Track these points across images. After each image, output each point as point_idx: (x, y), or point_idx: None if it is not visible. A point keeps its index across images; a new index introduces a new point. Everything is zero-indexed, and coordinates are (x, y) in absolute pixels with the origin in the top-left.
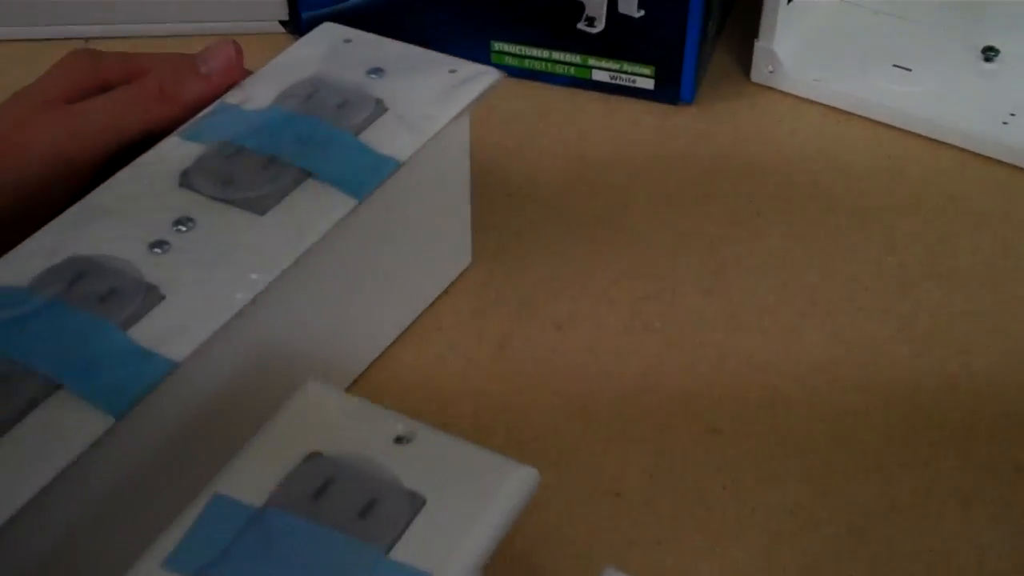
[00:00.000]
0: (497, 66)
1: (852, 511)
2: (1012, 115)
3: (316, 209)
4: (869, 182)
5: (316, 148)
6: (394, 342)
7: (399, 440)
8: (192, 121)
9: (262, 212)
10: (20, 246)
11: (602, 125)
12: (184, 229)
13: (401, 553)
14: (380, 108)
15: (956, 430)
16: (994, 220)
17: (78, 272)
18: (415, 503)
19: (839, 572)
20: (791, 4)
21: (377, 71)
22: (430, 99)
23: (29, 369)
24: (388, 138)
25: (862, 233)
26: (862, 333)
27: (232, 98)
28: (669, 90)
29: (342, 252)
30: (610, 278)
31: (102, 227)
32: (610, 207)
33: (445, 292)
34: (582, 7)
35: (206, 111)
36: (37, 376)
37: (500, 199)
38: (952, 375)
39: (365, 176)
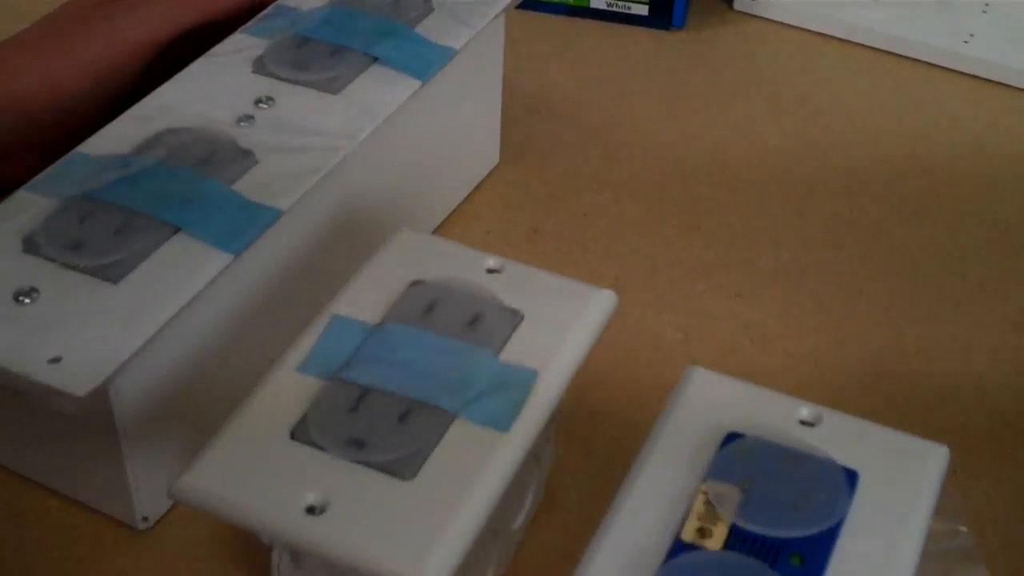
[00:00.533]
0: None
1: (867, 354)
2: (971, 35)
3: (385, 89)
4: (849, 91)
5: (379, 37)
6: (438, 228)
7: (491, 271)
8: (254, 20)
9: (335, 92)
10: (115, 121)
11: (603, 48)
12: (266, 106)
13: (508, 356)
14: (428, 7)
15: (955, 289)
16: (965, 121)
17: (176, 140)
18: (515, 317)
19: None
20: None
21: None
22: None
23: (148, 216)
24: (441, 31)
25: (846, 130)
26: (861, 211)
27: (288, 1)
28: (662, 16)
29: (405, 128)
30: (627, 173)
31: (189, 104)
32: (619, 115)
33: (477, 188)
34: None
35: (264, 13)
36: (156, 222)
37: (519, 112)
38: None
39: (427, 61)
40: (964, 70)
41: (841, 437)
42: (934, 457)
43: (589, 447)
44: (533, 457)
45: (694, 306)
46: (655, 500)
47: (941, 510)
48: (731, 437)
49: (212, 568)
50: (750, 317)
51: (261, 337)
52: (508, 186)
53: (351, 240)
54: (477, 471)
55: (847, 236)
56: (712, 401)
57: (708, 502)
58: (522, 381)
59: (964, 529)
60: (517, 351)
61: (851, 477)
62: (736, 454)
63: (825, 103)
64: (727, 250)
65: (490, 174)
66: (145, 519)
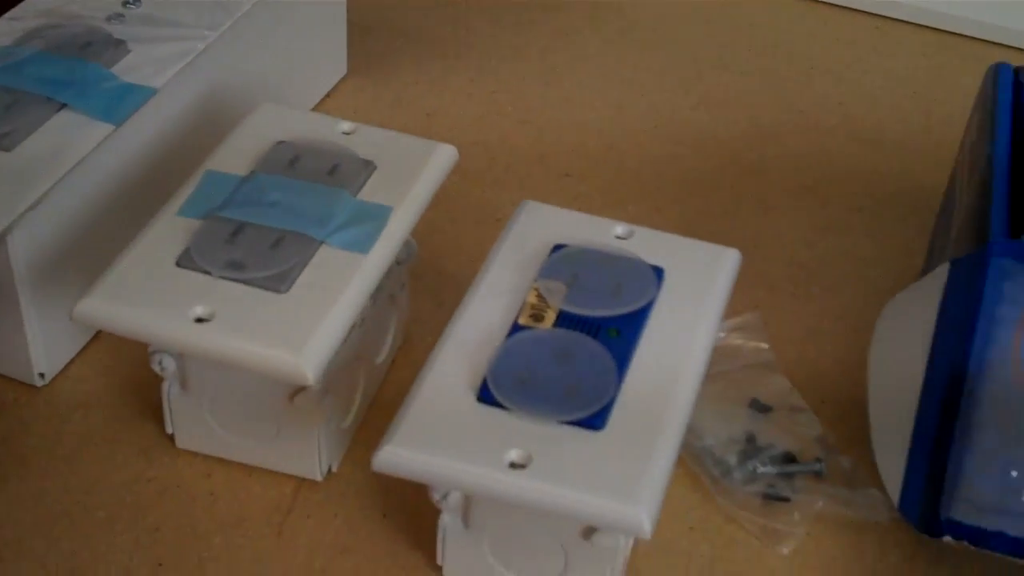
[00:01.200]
0: None
1: (679, 219)
2: None
3: None
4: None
5: None
6: None
7: (346, 133)
8: None
9: None
10: None
11: None
12: (134, 6)
13: (364, 196)
14: None
15: (752, 164)
16: (761, 28)
17: (55, 34)
18: (368, 167)
19: None
20: None
21: None
22: None
23: (36, 95)
24: None
25: (665, 45)
26: (671, 105)
27: None
28: None
29: (259, 26)
30: (465, 79)
31: (63, 5)
32: (456, 31)
33: (328, 95)
34: None
35: None
36: (43, 99)
37: (360, 31)
38: (744, 128)
39: None
40: None
41: (650, 246)
42: (727, 257)
43: (440, 301)
44: (390, 298)
45: (528, 183)
46: (496, 297)
47: (748, 331)
48: (558, 247)
49: (104, 418)
50: (578, 191)
51: (146, 196)
52: (357, 92)
53: (218, 119)
54: (343, 284)
55: (661, 120)
56: (542, 224)
57: (539, 295)
58: (378, 214)
59: (766, 346)
60: (372, 192)
61: (658, 272)
62: (562, 259)
63: (637, 14)
64: (558, 137)
65: (340, 83)
66: (42, 375)
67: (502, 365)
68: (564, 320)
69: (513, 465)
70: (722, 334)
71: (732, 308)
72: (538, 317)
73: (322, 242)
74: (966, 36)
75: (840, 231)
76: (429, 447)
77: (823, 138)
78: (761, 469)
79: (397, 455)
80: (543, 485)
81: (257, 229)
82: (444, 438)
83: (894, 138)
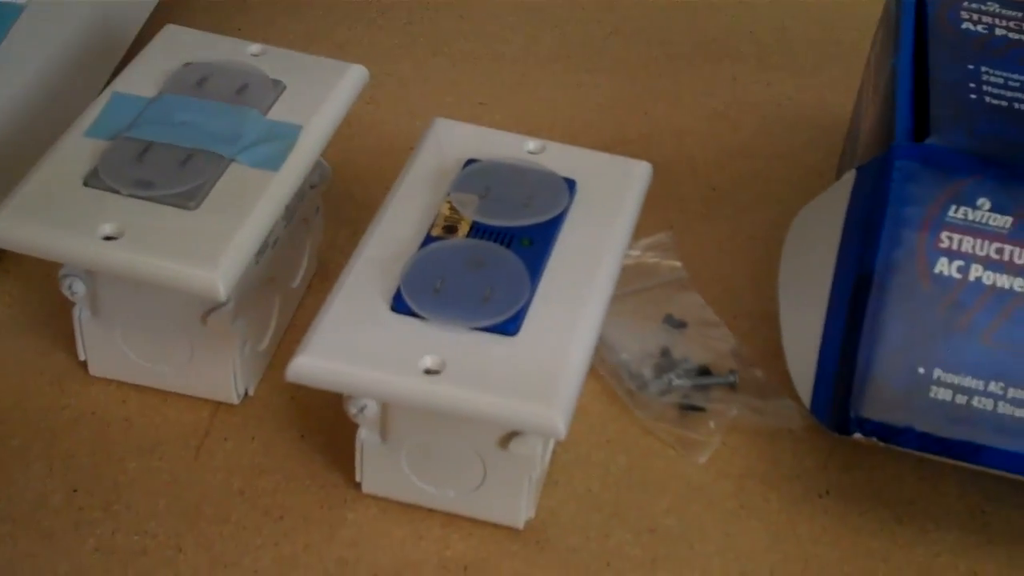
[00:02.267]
0: None
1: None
2: None
3: None
4: None
5: None
6: None
7: (255, 55)
8: None
9: None
10: None
11: None
12: None
13: (275, 115)
14: None
15: (665, 91)
16: None
17: None
18: (278, 87)
19: None
20: None
21: None
22: None
23: None
24: None
25: None
26: (584, 34)
27: None
28: None
29: None
30: (376, 11)
31: None
32: None
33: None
34: None
35: None
36: None
37: None
38: (657, 57)
39: None
40: None
41: (562, 160)
42: (638, 170)
43: (355, 228)
44: (303, 222)
45: (442, 112)
46: (409, 212)
47: (662, 250)
48: (470, 162)
49: (15, 348)
50: (492, 119)
51: (50, 120)
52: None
53: (121, 41)
54: (253, 200)
55: (575, 50)
56: (453, 141)
57: (452, 207)
58: (288, 133)
59: (679, 264)
60: (282, 112)
61: (570, 184)
62: (474, 173)
63: None
64: (472, 67)
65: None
66: None
67: (415, 275)
68: (477, 231)
69: (428, 372)
70: (636, 252)
71: (646, 228)
72: (451, 229)
73: (231, 160)
74: None
75: (751, 155)
76: (343, 356)
77: (735, 66)
78: (676, 381)
79: (311, 365)
80: (458, 390)
81: (165, 148)
82: (358, 347)
83: (804, 64)
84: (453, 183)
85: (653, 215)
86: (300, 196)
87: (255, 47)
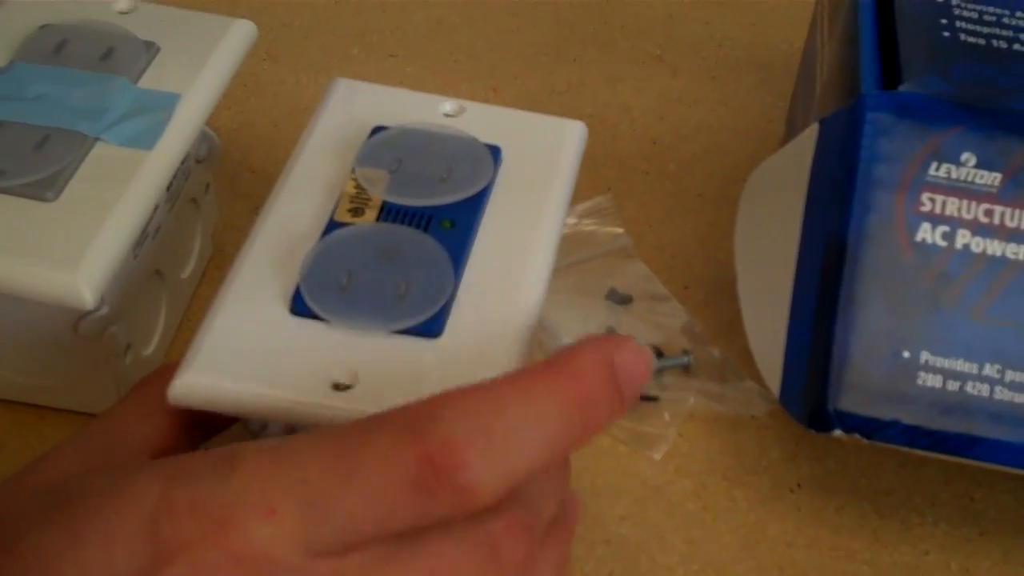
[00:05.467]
0: None
1: (519, 98)
2: None
3: None
4: None
5: None
6: None
7: (122, 13)
8: None
9: None
10: None
11: None
12: None
13: (147, 83)
14: None
15: (595, 34)
16: None
17: None
18: (150, 49)
19: None
20: None
21: None
22: None
23: None
24: None
25: None
26: None
27: None
28: None
29: None
30: None
31: None
32: None
33: None
34: None
35: None
36: None
37: None
38: None
39: None
40: None
41: (483, 122)
42: (572, 130)
43: (255, 204)
44: (191, 203)
45: (349, 67)
46: (307, 191)
47: (602, 216)
48: (378, 129)
49: None
50: (405, 72)
51: None
52: None
53: None
54: (123, 186)
55: None
56: (358, 105)
57: (358, 185)
58: (163, 103)
59: (621, 231)
60: (156, 79)
61: (495, 152)
62: (382, 142)
63: None
64: (380, 15)
65: None
66: None
67: (317, 269)
68: (388, 213)
69: (337, 387)
70: (572, 220)
71: (581, 191)
72: (358, 211)
73: (96, 139)
74: None
75: (693, 102)
76: (234, 373)
77: (670, 3)
78: None
79: (197, 385)
80: (373, 407)
81: (18, 128)
82: (252, 360)
83: None
84: (358, 156)
85: (589, 175)
86: (184, 174)
87: (123, 3)
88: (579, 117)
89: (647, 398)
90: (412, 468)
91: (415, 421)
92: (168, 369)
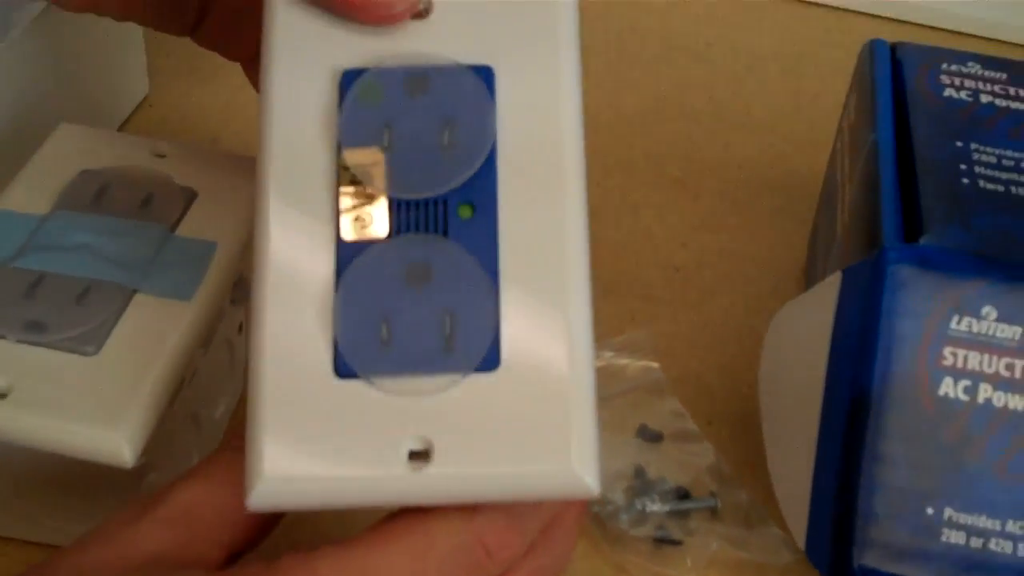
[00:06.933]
0: None
1: None
2: None
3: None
4: None
5: None
6: None
7: (160, 156)
8: None
9: None
10: None
11: None
12: None
13: (185, 231)
14: None
15: (617, 159)
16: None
17: None
18: (188, 195)
19: None
20: None
21: None
22: None
23: None
24: None
25: None
26: None
27: None
28: None
29: (48, 42)
30: None
31: None
32: None
33: (130, 118)
34: None
35: None
36: None
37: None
38: (607, 119)
39: None
40: None
41: (457, 22)
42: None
43: None
44: (226, 343)
45: None
46: (297, 195)
47: (634, 350)
48: (350, 75)
49: None
50: None
51: None
52: (164, 113)
53: (13, 144)
54: (162, 339)
55: None
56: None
57: (353, 178)
58: (201, 253)
59: (656, 365)
60: (193, 226)
61: (486, 76)
62: (364, 101)
63: None
64: None
65: (142, 103)
66: None
67: (351, 323)
68: (400, 214)
69: (414, 455)
70: (608, 354)
71: (608, 321)
72: (364, 221)
73: (135, 290)
74: (827, 6)
75: (715, 227)
76: (308, 464)
77: (690, 125)
78: (651, 508)
79: (277, 488)
80: (457, 469)
81: (59, 280)
82: (320, 443)
83: (764, 121)
84: (342, 130)
85: (613, 304)
86: (219, 317)
87: (161, 145)
88: (602, 244)
89: (671, 541)
90: None
91: None
92: (237, 444)
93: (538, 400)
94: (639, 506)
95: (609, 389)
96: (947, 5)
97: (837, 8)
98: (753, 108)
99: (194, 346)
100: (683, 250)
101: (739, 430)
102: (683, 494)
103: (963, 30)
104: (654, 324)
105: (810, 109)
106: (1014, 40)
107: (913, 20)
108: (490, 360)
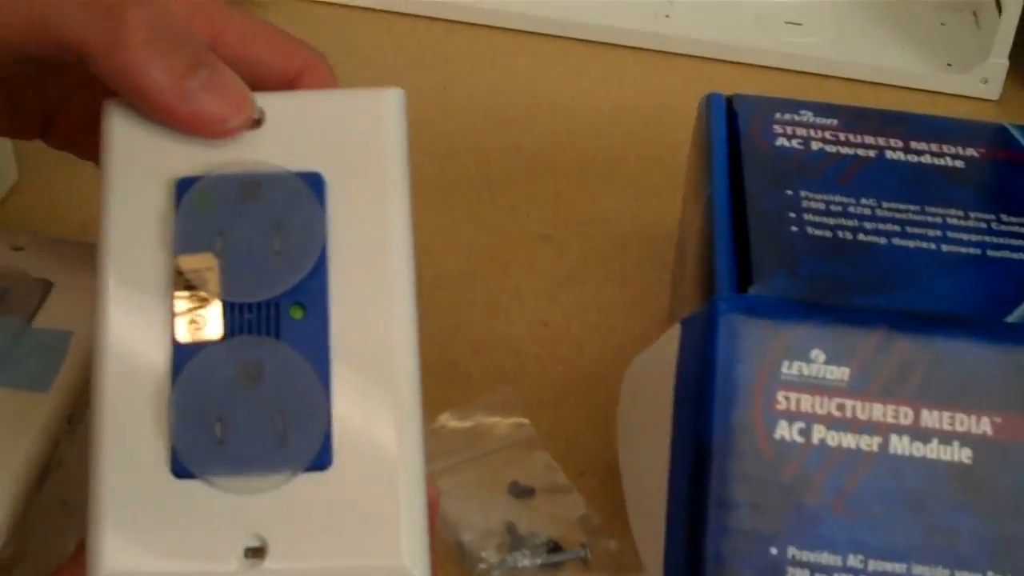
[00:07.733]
0: None
1: None
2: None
3: None
4: None
5: None
6: None
7: (16, 248)
8: None
9: None
10: None
11: None
12: None
13: (42, 322)
14: None
15: (485, 217)
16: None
17: None
18: (44, 286)
19: None
20: None
21: None
22: None
23: None
24: None
25: None
26: None
27: None
28: None
29: None
30: None
31: None
32: None
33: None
34: None
35: None
36: None
37: None
38: (473, 178)
39: None
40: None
41: (286, 132)
42: (388, 106)
43: None
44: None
45: None
46: (133, 296)
47: (503, 407)
48: (184, 184)
49: None
50: None
51: None
52: (31, 201)
53: None
54: (19, 431)
55: None
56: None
57: (188, 284)
58: (57, 342)
59: (526, 421)
60: (51, 317)
61: (316, 184)
62: (197, 209)
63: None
64: None
65: (10, 192)
66: None
67: (185, 424)
68: (233, 315)
69: (249, 552)
70: (477, 414)
71: (481, 382)
72: (198, 324)
73: None
74: (686, 55)
75: (582, 280)
76: (151, 559)
77: (556, 180)
78: (522, 563)
79: None
80: (289, 565)
81: None
82: (157, 537)
83: (628, 173)
84: (176, 239)
85: (483, 362)
86: (82, 402)
87: (19, 238)
88: (472, 305)
89: None
90: None
91: None
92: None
93: (369, 496)
94: (511, 562)
95: (480, 448)
96: (806, 47)
97: (695, 57)
98: (618, 160)
99: (55, 435)
100: (552, 305)
101: (609, 479)
102: (554, 547)
103: (825, 72)
104: (524, 380)
105: (672, 159)
106: (883, 81)
107: (775, 65)
108: (322, 457)
